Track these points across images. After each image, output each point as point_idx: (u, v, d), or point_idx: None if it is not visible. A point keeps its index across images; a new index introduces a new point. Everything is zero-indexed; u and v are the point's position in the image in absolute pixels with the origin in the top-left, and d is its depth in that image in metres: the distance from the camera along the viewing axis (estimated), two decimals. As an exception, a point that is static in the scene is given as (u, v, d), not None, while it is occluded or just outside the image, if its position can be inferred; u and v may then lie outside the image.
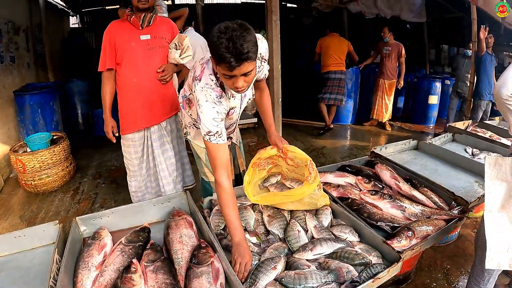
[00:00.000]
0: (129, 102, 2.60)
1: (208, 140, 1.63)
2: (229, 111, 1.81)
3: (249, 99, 1.99)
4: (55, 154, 3.83)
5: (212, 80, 1.63)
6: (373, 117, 6.67)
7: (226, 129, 2.02)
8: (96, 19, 9.43)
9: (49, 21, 6.31)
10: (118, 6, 8.05)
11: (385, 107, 6.48)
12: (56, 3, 7.77)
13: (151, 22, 2.52)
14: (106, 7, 9.20)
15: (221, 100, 1.65)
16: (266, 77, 2.02)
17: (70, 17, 9.18)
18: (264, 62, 1.84)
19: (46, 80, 6.01)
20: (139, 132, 2.66)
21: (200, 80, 1.63)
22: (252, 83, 1.77)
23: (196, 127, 2.12)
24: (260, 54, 1.70)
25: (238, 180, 2.38)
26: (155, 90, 2.59)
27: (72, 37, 8.75)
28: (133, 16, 2.46)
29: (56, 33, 7.39)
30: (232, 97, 1.76)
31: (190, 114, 2.05)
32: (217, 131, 1.63)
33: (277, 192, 2.03)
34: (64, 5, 8.40)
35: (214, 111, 1.61)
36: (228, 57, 1.33)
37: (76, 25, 9.57)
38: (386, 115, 6.54)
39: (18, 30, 5.19)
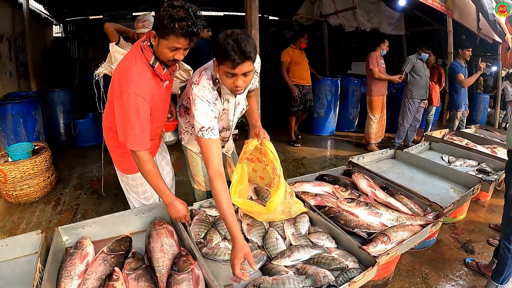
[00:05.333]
0: None
1: (201, 135, 1.72)
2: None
3: (243, 108, 2.12)
4: (36, 165, 3.79)
5: (209, 84, 1.76)
6: (370, 142, 6.14)
7: (219, 132, 2.06)
8: (80, 28, 9.37)
9: (32, 29, 6.25)
10: (101, 16, 8.10)
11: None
12: (39, 12, 7.71)
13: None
14: (90, 17, 9.16)
15: (216, 102, 1.78)
16: (256, 88, 2.21)
17: (54, 26, 9.10)
18: (256, 75, 2.01)
19: (28, 90, 5.95)
20: None
21: (198, 84, 1.75)
22: (247, 89, 1.98)
23: (189, 133, 2.25)
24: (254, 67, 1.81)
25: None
26: (163, 127, 2.33)
27: (55, 46, 8.67)
28: (165, 70, 1.84)
29: (39, 42, 7.32)
30: (227, 101, 1.91)
31: (188, 121, 2.19)
32: (210, 126, 1.73)
33: (256, 204, 1.96)
34: (48, 14, 8.33)
35: (208, 109, 1.73)
36: (233, 54, 1.50)
37: (60, 34, 9.48)
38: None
39: (1, 38, 5.15)
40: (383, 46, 5.70)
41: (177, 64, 1.89)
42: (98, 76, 2.61)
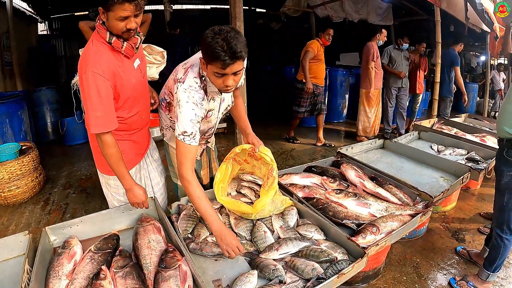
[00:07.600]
0: (130, 135, 2.05)
1: (182, 140, 1.67)
2: (207, 113, 1.85)
3: (228, 105, 2.04)
4: (24, 165, 3.74)
5: (197, 83, 1.69)
6: (361, 134, 6.11)
7: (204, 133, 2.08)
8: (65, 25, 9.25)
9: (16, 28, 6.17)
10: (87, 13, 8.00)
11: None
12: (24, 10, 7.61)
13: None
14: (75, 14, 9.05)
15: (203, 102, 1.71)
16: (242, 85, 2.14)
17: (39, 24, 8.98)
18: (243, 71, 1.87)
19: (14, 89, 5.88)
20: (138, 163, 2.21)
21: (183, 82, 1.68)
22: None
23: (172, 129, 2.14)
24: None
25: (212, 183, 2.37)
26: (148, 113, 2.18)
27: (40, 44, 8.56)
28: (125, 44, 1.76)
29: (24, 40, 7.22)
30: (212, 99, 1.82)
31: (170, 117, 2.08)
32: (192, 132, 1.67)
33: (243, 203, 1.96)
34: (32, 11, 8.22)
35: (193, 113, 1.66)
36: (223, 55, 1.43)
37: (45, 32, 9.37)
38: None
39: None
40: (379, 37, 5.54)
41: (138, 37, 1.82)
42: (76, 85, 2.51)
